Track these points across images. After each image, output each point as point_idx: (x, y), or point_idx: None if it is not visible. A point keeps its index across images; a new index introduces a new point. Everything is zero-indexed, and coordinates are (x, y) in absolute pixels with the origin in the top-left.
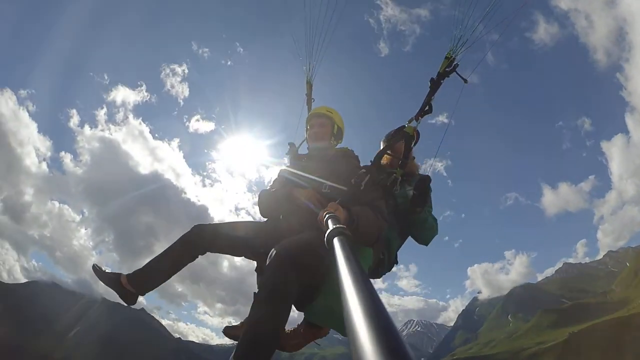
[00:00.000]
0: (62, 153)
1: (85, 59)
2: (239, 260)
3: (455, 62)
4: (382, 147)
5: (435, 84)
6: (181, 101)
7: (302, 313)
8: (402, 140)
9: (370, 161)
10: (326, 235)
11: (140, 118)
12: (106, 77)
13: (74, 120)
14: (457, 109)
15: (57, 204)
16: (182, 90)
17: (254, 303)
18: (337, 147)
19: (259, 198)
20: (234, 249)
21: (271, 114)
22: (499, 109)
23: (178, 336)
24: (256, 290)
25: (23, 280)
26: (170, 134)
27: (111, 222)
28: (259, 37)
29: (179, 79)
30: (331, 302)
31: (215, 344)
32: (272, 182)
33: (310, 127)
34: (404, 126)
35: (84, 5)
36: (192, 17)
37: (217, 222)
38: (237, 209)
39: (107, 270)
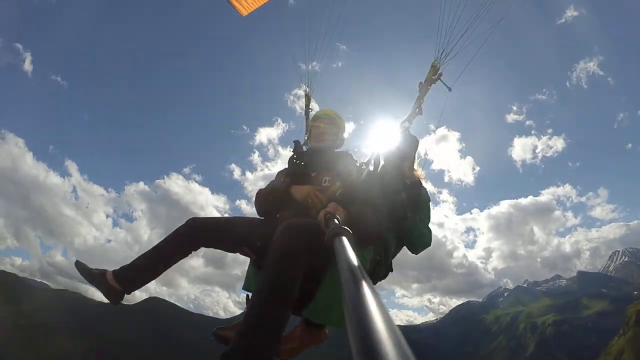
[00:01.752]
0: (238, 201)
1: (224, 120)
2: None
3: (439, 72)
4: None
5: (423, 89)
6: None
7: (299, 316)
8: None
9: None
10: (327, 235)
11: (288, 146)
12: (245, 127)
13: (236, 172)
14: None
15: None
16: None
17: (251, 303)
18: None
19: (255, 196)
20: (230, 244)
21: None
22: None
23: None
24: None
25: (238, 312)
26: None
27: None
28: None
29: (303, 99)
30: (331, 298)
31: (419, 322)
32: (271, 181)
33: (315, 127)
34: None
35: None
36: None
37: (213, 216)
38: None
39: (90, 267)
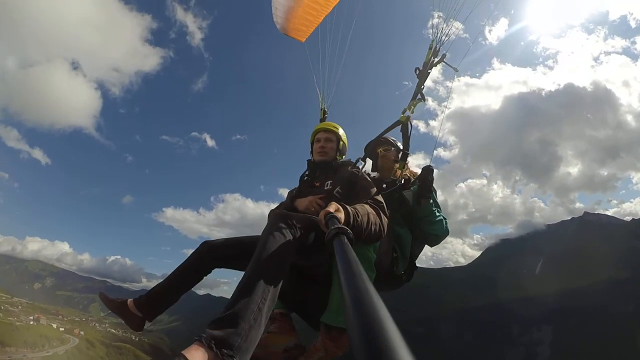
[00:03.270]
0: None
1: None
2: None
3: (443, 53)
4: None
5: (422, 74)
6: None
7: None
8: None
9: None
10: (326, 235)
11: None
12: None
13: None
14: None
15: (462, 184)
16: None
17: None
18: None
19: (268, 216)
20: (243, 263)
21: None
22: None
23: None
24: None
25: (478, 254)
26: None
27: (509, 163)
28: None
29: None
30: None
31: None
32: (281, 202)
33: (317, 142)
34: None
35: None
36: None
37: (224, 237)
38: None
39: (112, 298)
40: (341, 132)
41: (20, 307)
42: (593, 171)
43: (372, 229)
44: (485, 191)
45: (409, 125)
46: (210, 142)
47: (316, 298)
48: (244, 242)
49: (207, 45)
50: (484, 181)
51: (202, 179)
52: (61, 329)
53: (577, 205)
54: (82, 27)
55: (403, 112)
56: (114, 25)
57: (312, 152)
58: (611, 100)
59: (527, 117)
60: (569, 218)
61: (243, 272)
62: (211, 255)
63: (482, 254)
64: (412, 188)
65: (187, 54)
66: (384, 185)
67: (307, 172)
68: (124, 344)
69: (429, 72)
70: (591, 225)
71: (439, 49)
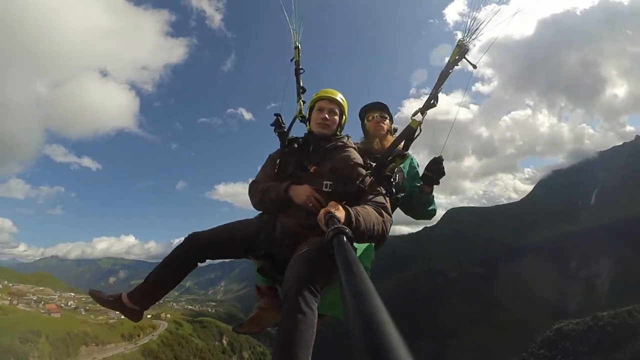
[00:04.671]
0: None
1: None
2: None
3: (465, 47)
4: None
5: (443, 75)
6: None
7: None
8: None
9: (376, 158)
10: (326, 234)
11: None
12: None
13: None
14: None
15: (506, 117)
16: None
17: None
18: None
19: (251, 188)
20: (233, 253)
21: None
22: None
23: None
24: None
25: (530, 187)
26: None
27: (552, 89)
28: None
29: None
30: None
31: None
32: (262, 168)
33: (318, 111)
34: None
35: None
36: None
37: (212, 228)
38: None
39: (105, 293)
40: (345, 105)
41: None
42: None
43: (375, 229)
44: (531, 122)
45: (418, 130)
46: (247, 115)
47: None
48: (230, 233)
49: (228, 24)
50: (528, 111)
51: (246, 151)
52: (149, 316)
53: (628, 128)
54: (101, 37)
55: (414, 115)
56: (133, 27)
57: (309, 119)
58: None
59: (564, 38)
60: (621, 143)
61: (233, 260)
62: (197, 251)
63: (534, 187)
64: (401, 166)
65: (210, 37)
66: (372, 164)
67: (299, 140)
68: (204, 317)
69: (450, 72)
70: None
71: (466, 44)
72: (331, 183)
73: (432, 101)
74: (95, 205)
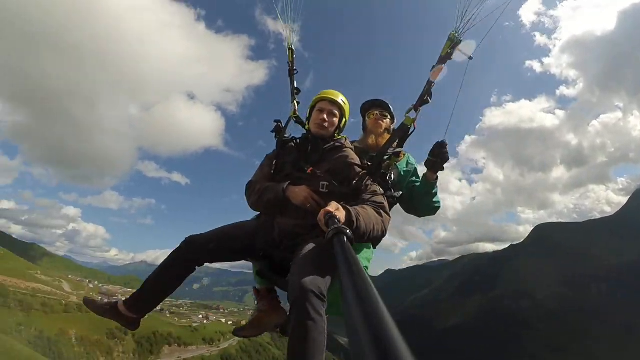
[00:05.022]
0: None
1: None
2: None
3: (457, 39)
4: (368, 117)
5: (436, 70)
6: None
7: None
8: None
9: (372, 155)
10: (326, 235)
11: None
12: None
13: None
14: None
15: (595, 122)
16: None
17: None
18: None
19: (248, 189)
20: (231, 255)
21: None
22: None
23: None
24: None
25: (625, 199)
26: None
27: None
28: None
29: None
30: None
31: None
32: (259, 169)
33: (318, 112)
34: (380, 100)
35: None
36: None
37: (210, 230)
38: None
39: (100, 301)
40: (347, 108)
41: (185, 307)
42: None
43: (375, 229)
44: (622, 125)
45: (412, 128)
46: None
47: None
48: (228, 235)
49: (305, 44)
50: (619, 114)
51: None
52: (229, 322)
53: None
54: (187, 64)
55: (407, 112)
56: (215, 53)
57: (308, 118)
58: None
59: None
60: None
61: (230, 263)
62: (194, 255)
63: (629, 199)
64: (396, 164)
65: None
66: (369, 163)
67: (297, 140)
68: None
69: (443, 67)
70: None
71: (458, 36)
72: (328, 184)
73: (425, 97)
74: (183, 216)
